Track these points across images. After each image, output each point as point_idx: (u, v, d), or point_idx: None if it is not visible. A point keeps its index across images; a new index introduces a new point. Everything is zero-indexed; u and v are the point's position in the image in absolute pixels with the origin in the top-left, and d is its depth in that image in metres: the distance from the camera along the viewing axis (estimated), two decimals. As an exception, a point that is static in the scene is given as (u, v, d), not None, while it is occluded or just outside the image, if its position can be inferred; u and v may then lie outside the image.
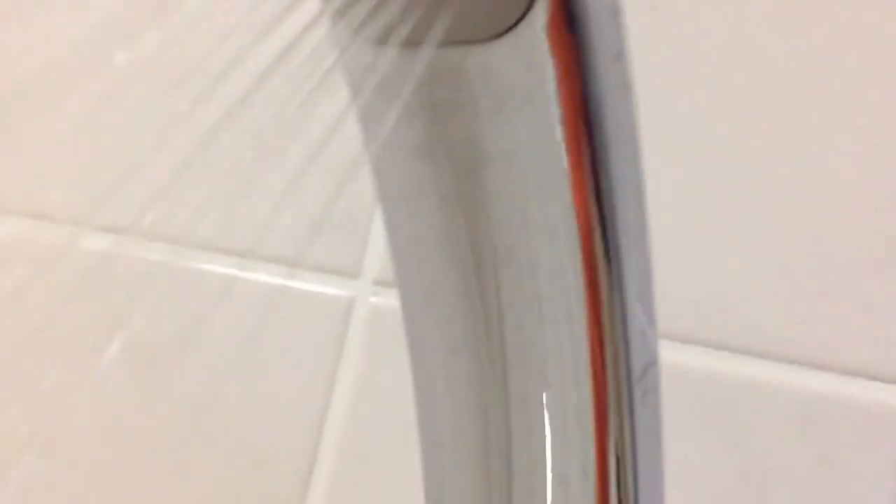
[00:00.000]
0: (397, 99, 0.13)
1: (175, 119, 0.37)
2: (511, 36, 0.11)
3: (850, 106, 0.32)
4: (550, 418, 0.14)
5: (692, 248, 0.32)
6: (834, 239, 0.31)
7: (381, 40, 0.12)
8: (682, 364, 0.31)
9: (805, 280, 0.31)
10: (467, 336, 0.15)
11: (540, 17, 0.11)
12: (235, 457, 0.32)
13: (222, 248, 0.34)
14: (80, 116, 0.37)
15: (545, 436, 0.15)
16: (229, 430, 0.33)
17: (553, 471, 0.15)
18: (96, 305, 0.35)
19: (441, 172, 0.13)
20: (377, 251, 0.33)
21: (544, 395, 0.14)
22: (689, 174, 0.32)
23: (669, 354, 0.30)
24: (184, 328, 0.33)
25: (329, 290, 0.33)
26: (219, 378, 0.33)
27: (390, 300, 0.33)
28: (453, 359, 0.15)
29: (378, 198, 0.16)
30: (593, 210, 0.13)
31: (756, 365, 0.30)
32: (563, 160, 0.12)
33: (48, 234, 0.35)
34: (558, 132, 0.12)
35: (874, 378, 0.30)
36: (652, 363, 0.15)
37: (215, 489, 0.32)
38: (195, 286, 0.34)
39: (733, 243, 0.32)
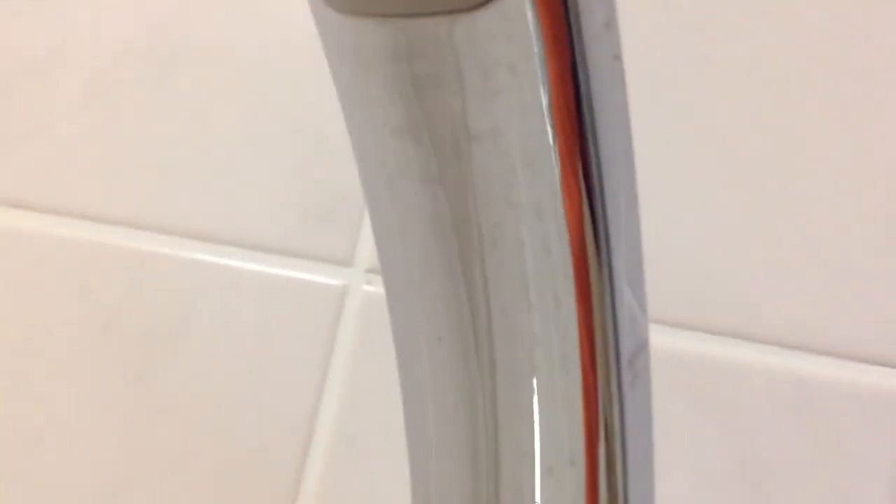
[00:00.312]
0: (376, 74, 0.13)
1: (164, 104, 0.37)
2: (496, 3, 0.11)
3: (844, 86, 0.32)
4: (539, 405, 0.14)
5: (687, 232, 0.31)
6: (830, 222, 0.31)
7: (357, 11, 0.12)
8: (678, 350, 0.30)
9: (802, 264, 0.31)
10: (452, 322, 0.14)
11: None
12: (228, 447, 0.32)
13: (214, 237, 0.34)
14: (64, 105, 0.36)
15: (533, 424, 0.14)
16: (221, 420, 0.32)
17: (541, 460, 0.14)
18: (88, 296, 0.35)
19: (423, 151, 0.13)
20: (370, 239, 0.33)
21: (532, 381, 0.14)
22: (681, 156, 0.32)
23: (664, 340, 0.30)
24: (176, 317, 0.33)
25: (322, 279, 0.33)
26: (211, 368, 0.32)
27: (383, 289, 0.32)
28: (438, 345, 0.15)
29: (360, 179, 0.15)
30: (581, 188, 0.12)
31: (752, 349, 0.30)
32: (549, 136, 0.12)
33: (29, 224, 0.35)
34: (545, 106, 0.11)
35: (871, 362, 0.29)
36: (642, 347, 0.14)
37: (207, 478, 0.32)
38: (187, 276, 0.34)
39: (728, 226, 0.31)
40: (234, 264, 0.33)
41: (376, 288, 0.32)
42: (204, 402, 0.32)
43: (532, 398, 0.14)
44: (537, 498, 0.14)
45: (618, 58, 0.12)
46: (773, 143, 0.32)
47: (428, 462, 0.17)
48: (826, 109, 0.31)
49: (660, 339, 0.30)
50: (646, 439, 0.15)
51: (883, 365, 0.29)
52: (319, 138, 0.34)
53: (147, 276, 0.34)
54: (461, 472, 0.16)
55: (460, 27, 0.11)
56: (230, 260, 0.34)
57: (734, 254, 0.31)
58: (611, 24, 0.11)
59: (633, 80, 0.14)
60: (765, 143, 0.32)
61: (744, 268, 0.30)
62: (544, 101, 0.12)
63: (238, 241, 0.34)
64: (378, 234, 0.15)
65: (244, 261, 0.34)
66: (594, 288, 0.13)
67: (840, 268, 0.30)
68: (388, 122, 0.13)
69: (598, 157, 0.12)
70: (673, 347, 0.30)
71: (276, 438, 0.32)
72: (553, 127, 0.12)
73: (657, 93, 0.32)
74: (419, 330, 0.15)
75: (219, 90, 0.35)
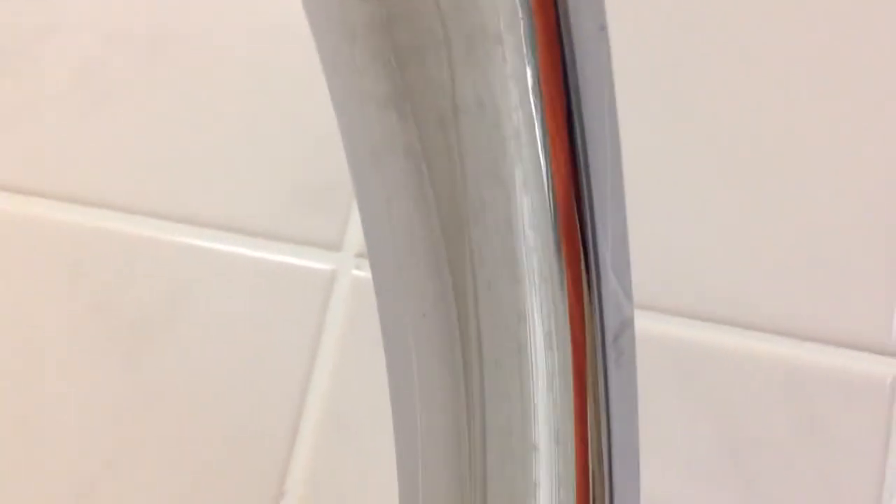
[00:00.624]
0: (361, 44, 0.13)
1: (154, 89, 0.36)
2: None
3: (837, 73, 0.32)
4: (523, 382, 0.14)
5: (677, 219, 0.31)
6: (819, 208, 0.31)
7: None
8: (666, 335, 0.30)
9: (790, 249, 0.31)
10: (437, 297, 0.14)
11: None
12: (217, 430, 0.32)
13: (201, 220, 0.34)
14: (54, 89, 0.36)
15: (518, 401, 0.14)
16: (210, 403, 0.32)
17: (525, 438, 0.14)
18: (78, 279, 0.34)
19: (408, 124, 0.13)
20: (359, 225, 0.33)
21: (517, 358, 0.14)
22: (670, 139, 0.32)
23: (652, 325, 0.30)
24: (166, 302, 0.33)
25: (311, 264, 0.33)
26: (201, 351, 0.32)
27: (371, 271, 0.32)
28: (423, 322, 0.15)
29: (346, 155, 0.15)
30: (568, 160, 0.12)
31: (739, 336, 0.30)
32: (535, 107, 0.12)
33: (20, 207, 0.35)
34: (531, 77, 0.11)
35: (859, 348, 0.29)
36: (627, 325, 0.14)
37: (197, 462, 0.32)
38: (176, 260, 0.34)
39: (719, 214, 0.31)
40: (223, 249, 0.33)
41: (365, 273, 0.32)
42: (193, 386, 0.32)
43: (517, 375, 0.14)
44: (523, 476, 0.14)
45: (603, 28, 0.12)
46: (767, 135, 0.32)
47: (414, 441, 0.17)
48: (822, 101, 0.31)
49: (649, 325, 0.30)
50: (631, 417, 0.15)
51: (871, 352, 0.29)
52: (309, 124, 0.34)
53: (137, 260, 0.34)
54: (447, 451, 0.16)
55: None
56: (220, 244, 0.33)
57: (725, 241, 0.31)
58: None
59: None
60: (758, 135, 0.32)
61: (734, 255, 0.30)
62: (530, 71, 0.11)
63: (228, 226, 0.34)
64: (363, 210, 0.15)
65: (234, 245, 0.33)
66: (580, 263, 0.13)
67: (829, 256, 0.30)
68: (373, 94, 0.13)
69: (583, 129, 0.12)
70: (663, 333, 0.30)
71: (266, 421, 0.32)
72: (540, 98, 0.11)
73: (656, 88, 0.32)
74: (404, 307, 0.15)
75: (210, 75, 0.35)
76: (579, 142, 0.12)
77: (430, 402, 0.16)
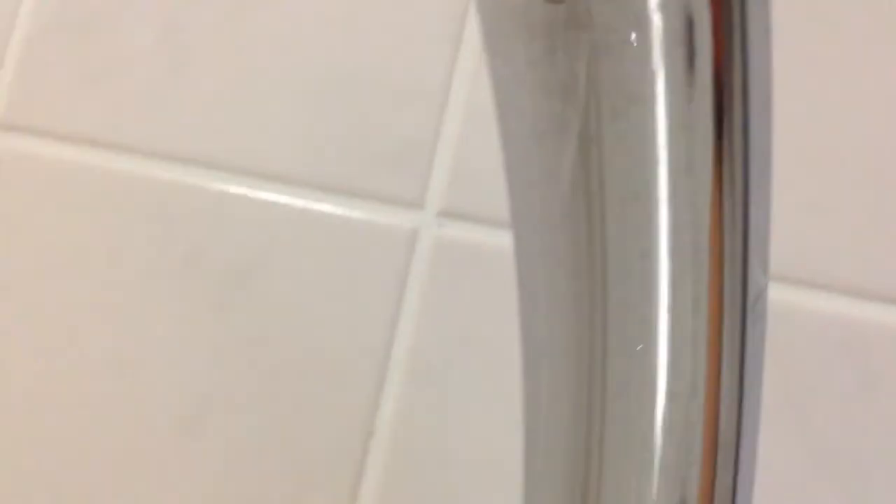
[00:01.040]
0: (541, 39, 0.14)
1: (237, 45, 0.38)
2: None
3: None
4: (670, 340, 0.15)
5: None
6: (883, 167, 0.32)
7: None
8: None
9: (853, 209, 0.32)
10: (583, 270, 0.16)
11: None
12: (307, 372, 0.33)
13: (288, 178, 0.35)
14: (139, 46, 0.37)
15: (661, 355, 0.16)
16: (299, 349, 0.34)
17: (666, 387, 0.16)
18: (170, 232, 0.36)
19: (580, 111, 0.14)
20: (441, 182, 0.34)
21: (664, 319, 0.15)
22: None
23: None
24: (253, 256, 0.35)
25: (392, 221, 0.34)
26: (287, 302, 0.34)
27: (455, 232, 0.34)
28: (569, 282, 0.16)
29: (502, 135, 0.17)
30: (728, 149, 0.14)
31: (803, 294, 0.31)
32: (707, 102, 0.13)
33: (110, 163, 0.36)
34: (706, 75, 0.13)
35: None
36: (763, 291, 0.16)
37: (289, 400, 0.33)
38: (262, 216, 0.35)
39: (777, 170, 0.32)
40: (308, 206, 0.35)
41: (448, 231, 0.34)
42: (283, 332, 0.34)
43: (659, 333, 0.16)
44: (659, 420, 0.16)
45: (768, 31, 0.13)
46: (821, 93, 0.33)
47: (541, 383, 0.19)
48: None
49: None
50: (759, 376, 0.16)
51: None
52: (392, 82, 0.35)
53: (226, 215, 0.35)
54: (576, 402, 0.18)
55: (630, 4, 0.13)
56: (305, 202, 0.35)
57: (787, 200, 0.32)
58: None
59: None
60: (814, 91, 0.33)
61: (798, 214, 0.32)
62: (707, 70, 0.13)
63: (312, 184, 0.35)
64: (514, 188, 0.17)
65: (318, 203, 0.35)
66: (728, 236, 0.15)
67: (885, 215, 0.32)
68: (546, 82, 0.14)
69: (746, 125, 0.13)
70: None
71: (354, 367, 0.33)
72: (714, 94, 0.13)
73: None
74: (549, 284, 0.17)
75: (292, 32, 0.36)
76: (740, 135, 0.14)
77: (562, 355, 0.18)
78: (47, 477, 0.34)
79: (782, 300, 0.32)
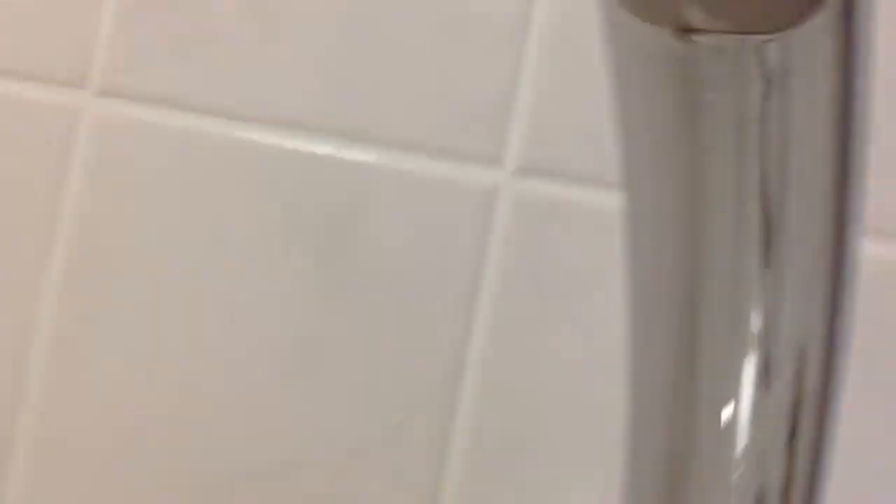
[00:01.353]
0: (662, 69, 0.17)
1: (323, 10, 0.40)
2: (807, 25, 0.15)
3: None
4: (791, 299, 0.18)
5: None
6: (883, 167, 0.34)
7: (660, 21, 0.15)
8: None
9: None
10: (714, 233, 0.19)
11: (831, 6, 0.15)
12: (401, 318, 0.36)
13: (370, 138, 0.38)
14: (228, 13, 0.39)
15: (785, 309, 0.19)
16: (392, 296, 0.37)
17: (790, 342, 0.19)
18: (265, 193, 0.39)
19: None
20: (518, 141, 0.37)
21: (789, 279, 0.18)
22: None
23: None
24: (345, 213, 0.38)
25: (472, 178, 0.37)
26: (379, 257, 0.37)
27: (533, 187, 0.36)
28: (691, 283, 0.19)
29: (616, 118, 0.19)
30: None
31: (882, 245, 0.34)
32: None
33: (215, 128, 0.39)
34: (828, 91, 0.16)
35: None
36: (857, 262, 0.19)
37: (384, 343, 0.37)
38: (351, 175, 0.38)
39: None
40: (394, 165, 0.38)
41: (527, 186, 0.37)
42: (375, 285, 0.37)
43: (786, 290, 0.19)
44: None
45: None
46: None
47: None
48: None
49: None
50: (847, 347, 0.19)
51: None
52: (469, 40, 0.37)
53: (317, 176, 0.38)
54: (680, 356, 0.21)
55: (774, 44, 0.15)
56: (391, 162, 0.38)
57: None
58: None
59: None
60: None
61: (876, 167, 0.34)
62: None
63: (396, 143, 0.38)
64: (629, 160, 0.19)
65: (402, 162, 0.38)
66: (849, 209, 0.18)
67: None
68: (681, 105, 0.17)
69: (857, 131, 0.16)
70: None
71: (441, 319, 0.36)
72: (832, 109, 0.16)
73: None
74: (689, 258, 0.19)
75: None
76: (855, 140, 0.16)
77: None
78: (167, 414, 0.38)
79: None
